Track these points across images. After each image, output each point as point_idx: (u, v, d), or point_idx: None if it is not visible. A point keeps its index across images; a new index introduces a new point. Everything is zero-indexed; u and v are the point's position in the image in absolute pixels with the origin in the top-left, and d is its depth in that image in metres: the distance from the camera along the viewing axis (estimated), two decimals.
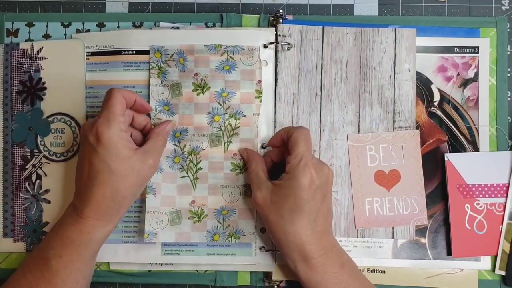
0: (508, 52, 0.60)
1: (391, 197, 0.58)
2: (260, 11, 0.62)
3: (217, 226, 0.57)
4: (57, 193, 0.59)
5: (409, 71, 0.60)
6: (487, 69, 0.60)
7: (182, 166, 0.57)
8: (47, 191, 0.59)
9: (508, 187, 0.58)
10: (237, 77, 0.58)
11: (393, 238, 0.58)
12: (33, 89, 0.60)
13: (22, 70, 0.60)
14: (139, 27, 0.61)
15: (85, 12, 0.62)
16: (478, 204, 0.58)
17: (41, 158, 0.59)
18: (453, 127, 0.60)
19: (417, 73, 0.60)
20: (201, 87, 0.58)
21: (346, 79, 0.59)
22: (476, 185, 0.58)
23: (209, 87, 0.58)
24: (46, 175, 0.59)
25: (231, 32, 0.59)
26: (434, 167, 0.59)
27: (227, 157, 0.58)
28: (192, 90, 0.58)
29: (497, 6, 0.62)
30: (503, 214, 0.58)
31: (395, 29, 0.60)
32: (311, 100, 0.59)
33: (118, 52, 0.59)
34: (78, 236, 0.50)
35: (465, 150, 0.59)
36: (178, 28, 0.60)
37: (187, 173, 0.57)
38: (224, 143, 0.58)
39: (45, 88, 0.60)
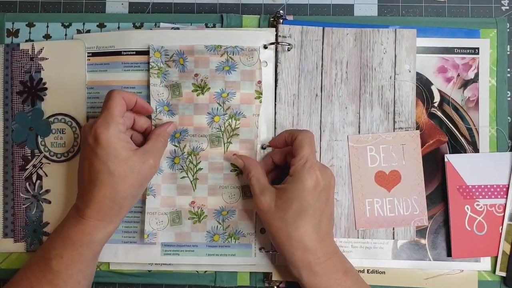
0: (508, 53, 0.60)
1: (391, 198, 0.58)
2: (260, 11, 0.62)
3: (217, 226, 0.57)
4: (57, 194, 0.59)
5: (409, 72, 0.59)
6: (487, 70, 0.60)
7: (182, 166, 0.57)
8: (47, 191, 0.59)
9: (508, 188, 0.58)
10: (237, 77, 0.58)
11: (393, 239, 0.58)
12: (34, 90, 0.60)
13: (22, 71, 0.60)
14: (139, 27, 0.61)
15: (85, 12, 0.62)
16: (478, 205, 0.58)
17: (41, 159, 0.59)
18: (453, 128, 0.59)
19: (417, 74, 0.60)
20: (201, 88, 0.58)
21: (347, 80, 0.59)
22: (476, 186, 0.58)
23: (209, 88, 0.58)
24: (46, 176, 0.59)
25: (231, 33, 0.59)
26: (434, 168, 0.59)
27: (227, 157, 0.58)
28: (192, 91, 0.58)
29: (497, 6, 0.61)
30: (503, 215, 0.58)
31: (395, 29, 0.59)
32: (312, 101, 0.59)
33: (118, 53, 0.59)
34: (79, 236, 0.50)
35: (465, 151, 0.59)
36: (178, 28, 0.60)
37: (187, 174, 0.57)
38: (224, 144, 0.58)
39: (46, 89, 0.60)
